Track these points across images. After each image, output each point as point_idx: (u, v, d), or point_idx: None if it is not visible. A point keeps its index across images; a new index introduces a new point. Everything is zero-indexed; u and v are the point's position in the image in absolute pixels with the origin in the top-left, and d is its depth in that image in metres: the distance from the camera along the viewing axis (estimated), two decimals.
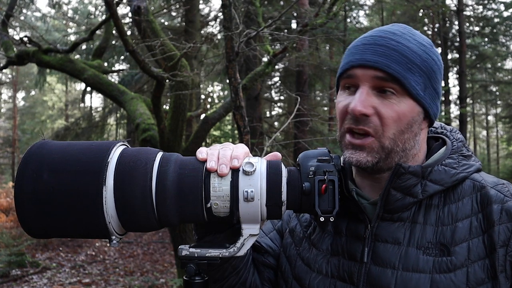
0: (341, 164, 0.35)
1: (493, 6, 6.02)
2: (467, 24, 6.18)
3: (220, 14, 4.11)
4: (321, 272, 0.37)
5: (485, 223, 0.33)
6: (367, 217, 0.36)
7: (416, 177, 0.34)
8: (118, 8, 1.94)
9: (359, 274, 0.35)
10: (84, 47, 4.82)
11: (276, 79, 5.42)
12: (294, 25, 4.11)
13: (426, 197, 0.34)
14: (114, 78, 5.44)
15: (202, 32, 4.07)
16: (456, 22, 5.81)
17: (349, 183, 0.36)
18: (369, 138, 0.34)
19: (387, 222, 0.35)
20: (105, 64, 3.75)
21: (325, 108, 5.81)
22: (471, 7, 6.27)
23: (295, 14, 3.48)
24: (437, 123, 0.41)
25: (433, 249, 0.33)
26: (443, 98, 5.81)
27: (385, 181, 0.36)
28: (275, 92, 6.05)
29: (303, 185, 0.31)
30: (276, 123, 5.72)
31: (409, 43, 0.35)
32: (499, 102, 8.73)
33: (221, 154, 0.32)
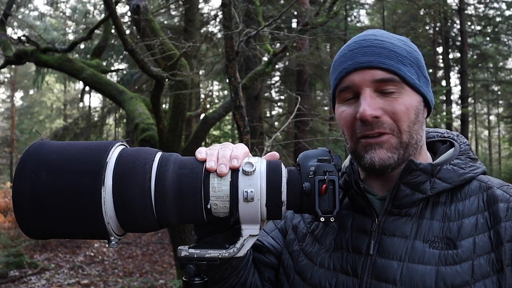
0: (351, 161, 0.36)
1: (495, 5, 6.02)
2: (469, 23, 6.19)
3: (220, 13, 4.10)
4: (323, 266, 0.38)
5: (492, 220, 0.33)
6: (375, 212, 0.37)
7: (425, 174, 0.35)
8: (117, 7, 1.92)
9: (363, 266, 0.35)
10: (82, 46, 4.81)
11: (276, 78, 5.42)
12: (294, 24, 4.10)
13: (434, 195, 0.35)
14: (113, 77, 5.43)
15: (202, 31, 4.05)
16: (458, 21, 5.80)
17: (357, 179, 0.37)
18: (385, 135, 0.35)
19: (395, 217, 0.36)
20: (104, 63, 3.73)
21: (326, 108, 5.81)
22: (472, 6, 6.27)
23: (295, 13, 3.48)
24: (442, 130, 0.42)
25: (439, 243, 0.33)
26: (444, 98, 5.82)
27: (393, 178, 0.36)
28: (275, 92, 6.05)
29: (303, 185, 0.31)
30: (276, 123, 5.73)
31: (391, 39, 0.36)
32: (501, 102, 8.74)
33: (220, 154, 0.31)
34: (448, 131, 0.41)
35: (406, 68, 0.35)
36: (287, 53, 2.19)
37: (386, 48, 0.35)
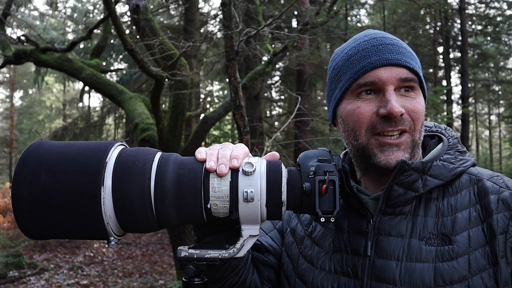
0: (342, 163, 0.36)
1: (496, 4, 6.02)
2: (469, 22, 6.18)
3: (219, 12, 4.10)
4: (324, 269, 0.38)
5: (484, 213, 0.34)
6: (369, 212, 0.37)
7: (417, 173, 0.35)
8: (116, 6, 1.92)
9: (363, 268, 0.35)
10: (82, 46, 4.80)
11: (276, 78, 5.44)
12: (294, 24, 4.12)
13: (426, 191, 0.36)
14: (112, 77, 5.42)
15: (202, 30, 4.05)
16: (458, 21, 5.78)
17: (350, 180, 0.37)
18: (404, 135, 0.35)
19: (389, 216, 0.36)
20: (104, 63, 3.72)
21: (326, 108, 5.76)
22: (473, 6, 6.24)
23: (295, 13, 3.48)
24: (430, 123, 0.42)
25: (434, 239, 0.34)
26: (445, 98, 5.84)
27: (386, 178, 0.37)
28: (275, 92, 6.07)
29: (304, 185, 0.31)
30: (276, 123, 5.75)
31: (401, 41, 0.38)
32: (501, 102, 8.71)
33: (220, 154, 0.31)
34: (436, 124, 0.41)
35: (420, 71, 0.37)
36: (287, 53, 2.19)
37: (406, 49, 0.36)
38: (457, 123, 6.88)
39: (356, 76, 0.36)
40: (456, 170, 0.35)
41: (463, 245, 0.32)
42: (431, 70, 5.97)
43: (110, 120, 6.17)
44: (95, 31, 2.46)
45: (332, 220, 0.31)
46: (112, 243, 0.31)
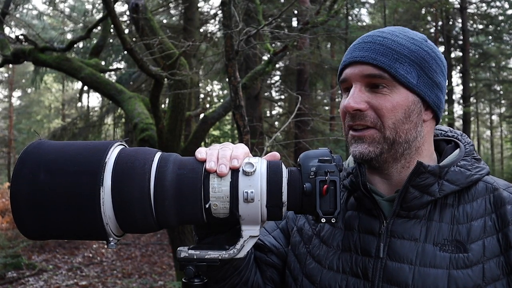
0: (358, 162, 0.37)
1: (497, 3, 5.97)
2: (471, 22, 6.12)
3: (219, 12, 4.09)
4: (332, 268, 0.38)
5: (499, 223, 0.34)
6: (383, 214, 0.37)
7: (434, 177, 0.35)
8: (115, 5, 1.92)
9: (374, 270, 0.35)
10: (81, 45, 4.78)
11: (277, 78, 5.42)
12: (295, 23, 4.11)
13: (442, 197, 0.35)
14: (111, 77, 5.41)
15: (201, 30, 4.06)
16: (460, 20, 5.72)
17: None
18: (369, 130, 0.36)
19: (403, 219, 0.36)
20: (103, 62, 3.71)
21: (326, 108, 5.81)
22: (474, 5, 6.19)
23: (296, 12, 3.46)
24: (445, 127, 0.42)
25: (449, 246, 0.34)
26: (446, 97, 5.64)
27: (395, 178, 0.37)
28: (276, 91, 6.05)
29: (304, 185, 0.31)
30: (276, 123, 5.75)
31: (396, 38, 0.36)
32: (503, 101, 8.62)
33: (220, 154, 0.31)
34: (451, 129, 0.41)
35: (401, 66, 0.35)
36: (288, 52, 2.18)
37: (383, 45, 0.35)
38: (458, 123, 6.84)
39: (338, 74, 0.39)
40: (472, 177, 0.35)
41: (477, 254, 0.32)
42: None
43: (109, 120, 6.14)
44: (94, 30, 2.46)
45: (333, 221, 0.31)
46: (112, 243, 0.30)
